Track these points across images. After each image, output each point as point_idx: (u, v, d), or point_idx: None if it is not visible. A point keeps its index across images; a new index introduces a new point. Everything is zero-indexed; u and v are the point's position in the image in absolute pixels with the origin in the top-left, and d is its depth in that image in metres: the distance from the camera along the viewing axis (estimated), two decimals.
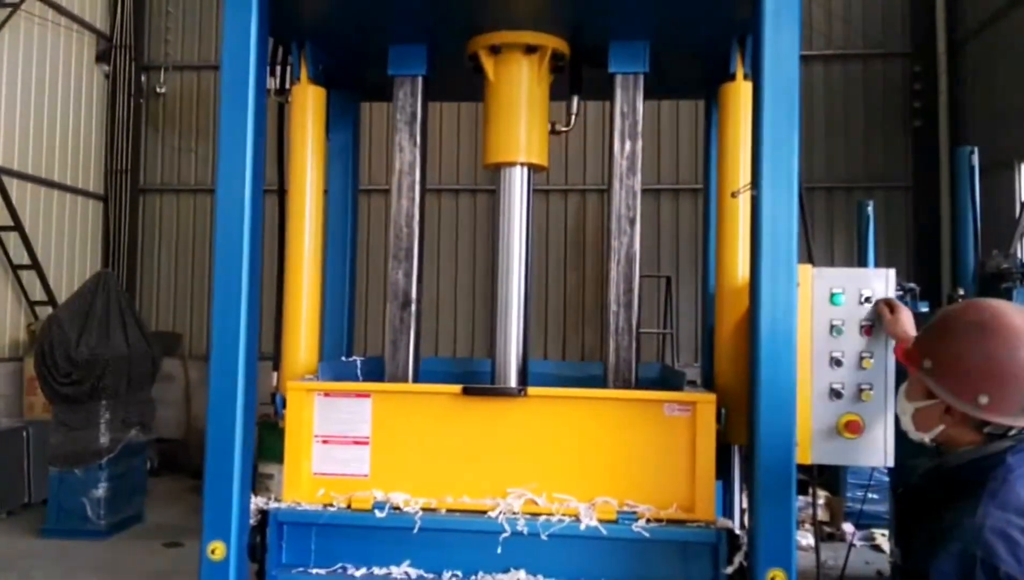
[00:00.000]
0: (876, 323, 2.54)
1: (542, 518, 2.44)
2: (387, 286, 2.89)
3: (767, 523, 2.37)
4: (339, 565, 2.54)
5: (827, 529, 7.42)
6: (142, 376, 7.49)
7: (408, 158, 2.87)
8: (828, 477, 7.70)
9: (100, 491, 7.15)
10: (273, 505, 2.54)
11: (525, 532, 2.42)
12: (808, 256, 2.63)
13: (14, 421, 8.48)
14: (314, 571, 2.53)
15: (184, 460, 9.79)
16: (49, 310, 8.67)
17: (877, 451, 2.64)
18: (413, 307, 2.83)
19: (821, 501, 7.49)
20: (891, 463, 2.65)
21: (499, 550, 2.44)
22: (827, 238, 10.21)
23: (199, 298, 10.86)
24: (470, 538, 2.48)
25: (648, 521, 2.41)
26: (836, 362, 2.59)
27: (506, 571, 2.46)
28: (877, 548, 7.16)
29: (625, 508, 2.46)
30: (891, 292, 2.63)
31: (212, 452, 2.49)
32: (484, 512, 2.48)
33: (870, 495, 7.13)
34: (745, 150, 2.69)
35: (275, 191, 3.04)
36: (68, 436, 7.12)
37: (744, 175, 2.71)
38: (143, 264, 11.26)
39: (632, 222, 2.78)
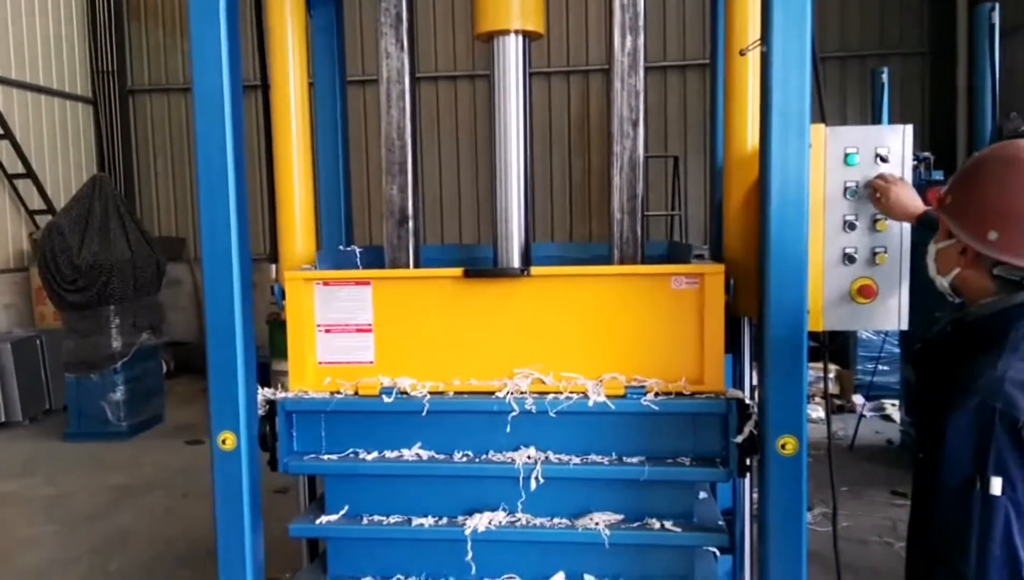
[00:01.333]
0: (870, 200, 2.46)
1: (550, 397, 2.41)
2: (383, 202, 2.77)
3: (777, 391, 2.33)
4: (350, 451, 2.55)
5: (837, 402, 7.53)
6: (148, 280, 7.48)
7: (395, 65, 2.68)
8: (840, 343, 7.74)
9: (118, 394, 7.28)
10: (280, 395, 2.53)
11: (533, 411, 2.40)
12: (820, 115, 2.49)
13: (27, 331, 8.58)
14: (325, 457, 2.54)
15: (199, 362, 9.85)
16: (49, 218, 8.60)
17: (891, 315, 2.59)
18: (411, 224, 2.72)
19: (832, 375, 7.56)
20: (905, 326, 2.60)
21: (508, 429, 2.44)
22: (840, 110, 9.94)
23: None
24: (479, 419, 2.47)
25: (657, 395, 2.39)
26: (850, 226, 2.51)
27: (516, 449, 2.46)
28: (887, 418, 7.27)
29: (633, 383, 2.43)
30: (908, 151, 2.51)
31: (213, 344, 2.46)
32: (492, 393, 2.46)
33: (880, 367, 7.20)
34: (755, 9, 2.51)
35: (259, 86, 2.89)
36: (80, 343, 7.19)
37: (753, 35, 2.54)
38: (139, 169, 11.11)
39: (635, 124, 2.62)
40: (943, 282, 1.83)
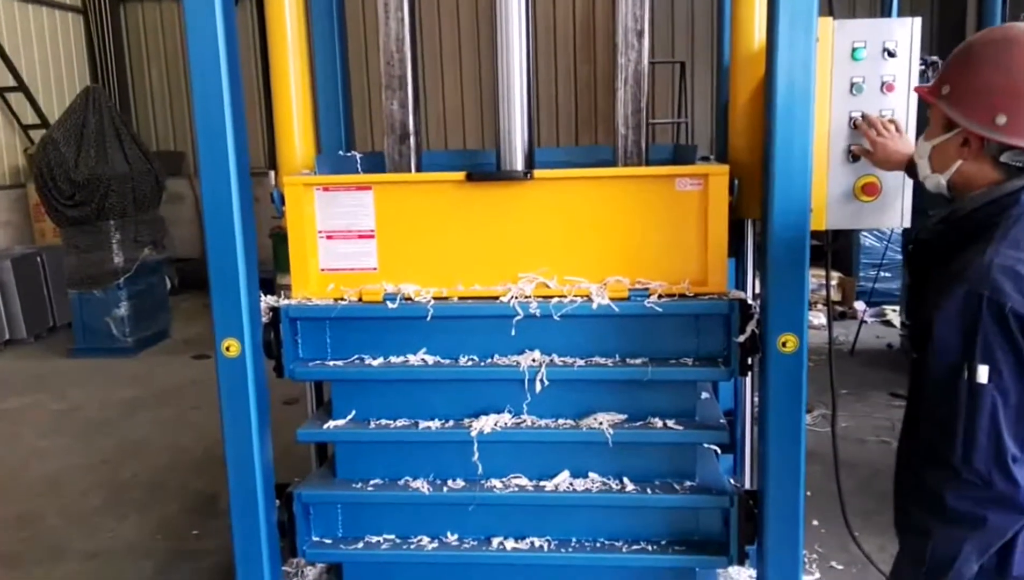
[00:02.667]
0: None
1: (554, 300, 2.42)
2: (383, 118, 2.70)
3: (778, 288, 2.33)
4: (355, 357, 2.57)
5: (839, 308, 7.57)
6: (147, 194, 7.42)
7: None
8: (842, 245, 7.72)
9: (122, 310, 7.31)
10: (283, 302, 2.53)
11: (538, 314, 2.41)
12: (829, 8, 2.41)
13: (27, 248, 8.56)
14: (331, 363, 2.57)
15: (203, 278, 9.87)
16: (43, 133, 8.47)
17: (894, 213, 2.56)
18: (412, 140, 2.66)
19: (834, 282, 7.58)
20: (908, 224, 2.58)
21: (513, 333, 2.45)
22: (849, 3, 9.65)
23: None
24: (483, 323, 2.49)
25: (660, 297, 2.39)
26: (855, 123, 2.45)
27: (520, 353, 2.48)
28: (888, 323, 7.33)
29: (637, 286, 2.43)
30: (916, 45, 2.43)
31: (213, 249, 2.45)
32: (496, 298, 2.46)
33: (882, 273, 7.20)
34: None
35: None
36: (81, 258, 7.18)
37: None
38: (134, 82, 10.87)
39: (640, 35, 2.52)
40: (940, 180, 1.74)
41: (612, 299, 2.39)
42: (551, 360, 2.47)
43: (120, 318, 7.30)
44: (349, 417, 2.59)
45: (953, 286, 1.54)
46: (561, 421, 2.51)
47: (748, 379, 2.95)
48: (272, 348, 2.50)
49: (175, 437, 5.30)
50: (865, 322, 6.99)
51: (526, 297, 2.43)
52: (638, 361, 2.45)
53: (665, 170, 2.44)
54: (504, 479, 2.55)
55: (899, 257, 6.97)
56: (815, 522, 3.68)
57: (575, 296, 2.42)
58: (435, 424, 2.53)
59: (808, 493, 2.39)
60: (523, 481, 2.53)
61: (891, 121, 2.39)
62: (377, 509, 2.63)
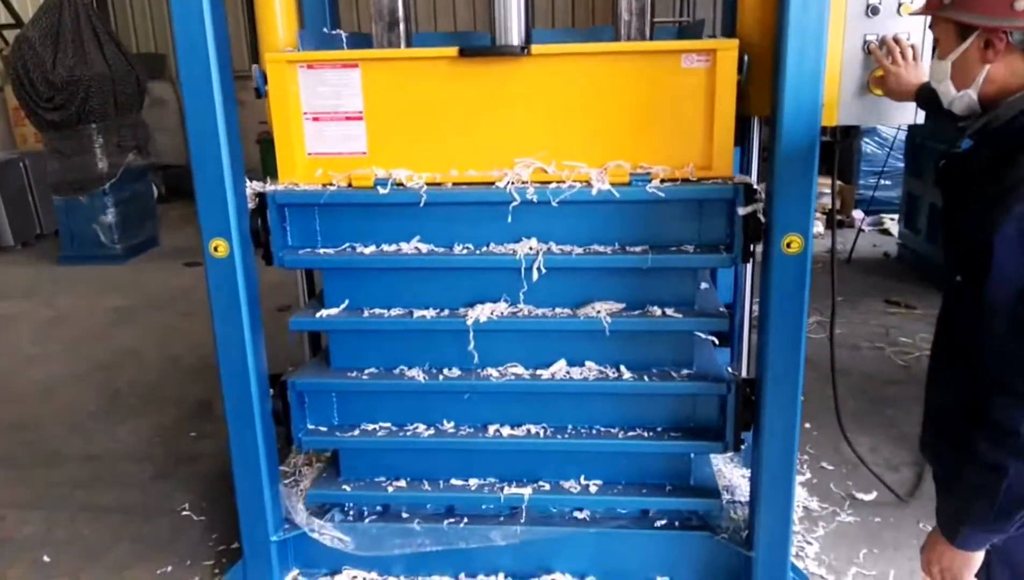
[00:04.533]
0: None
1: (552, 186, 2.33)
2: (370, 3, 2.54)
3: (786, 187, 2.26)
4: (346, 245, 2.49)
5: (838, 217, 7.47)
6: (129, 97, 7.18)
7: None
8: (847, 141, 7.58)
9: (109, 216, 7.18)
10: (270, 188, 2.43)
11: (535, 201, 2.32)
12: None
13: (9, 153, 8.35)
14: (321, 252, 2.48)
15: (190, 185, 9.70)
16: (17, 33, 8.14)
17: (908, 108, 2.44)
18: (401, 27, 2.50)
19: (827, 190, 7.46)
20: (921, 120, 2.47)
21: (509, 220, 2.37)
22: None
23: None
24: (478, 210, 2.40)
25: (662, 181, 2.30)
26: (872, 10, 2.31)
27: (517, 241, 2.40)
28: (885, 232, 7.26)
29: (638, 171, 2.33)
30: None
31: (195, 144, 2.34)
32: (491, 184, 2.37)
33: (883, 181, 7.09)
34: None
35: None
36: (65, 164, 7.01)
37: None
38: None
39: None
40: (970, 96, 1.57)
41: (613, 184, 2.30)
42: (549, 248, 2.39)
43: (108, 225, 7.17)
44: (342, 306, 2.53)
45: (1010, 204, 1.39)
46: (558, 310, 2.46)
47: (748, 270, 2.89)
48: (260, 236, 2.42)
49: (168, 345, 5.25)
50: (863, 230, 6.92)
51: (523, 183, 2.34)
52: (638, 249, 2.37)
53: (670, 45, 2.31)
54: (500, 368, 2.51)
55: (900, 165, 6.85)
56: (807, 425, 3.69)
57: (574, 181, 2.32)
58: (430, 313, 2.47)
59: (801, 398, 2.36)
60: (519, 370, 2.50)
61: (911, 47, 2.24)
62: (372, 398, 2.61)
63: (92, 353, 5.16)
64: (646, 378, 2.45)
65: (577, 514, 2.73)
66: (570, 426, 2.58)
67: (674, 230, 2.38)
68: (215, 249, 2.44)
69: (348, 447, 2.67)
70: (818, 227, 6.82)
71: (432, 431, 2.59)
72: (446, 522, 2.75)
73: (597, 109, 2.33)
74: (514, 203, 2.32)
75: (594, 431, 2.56)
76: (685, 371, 2.48)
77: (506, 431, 2.56)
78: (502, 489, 2.62)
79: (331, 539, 2.74)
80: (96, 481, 3.59)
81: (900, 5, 2.32)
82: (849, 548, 2.89)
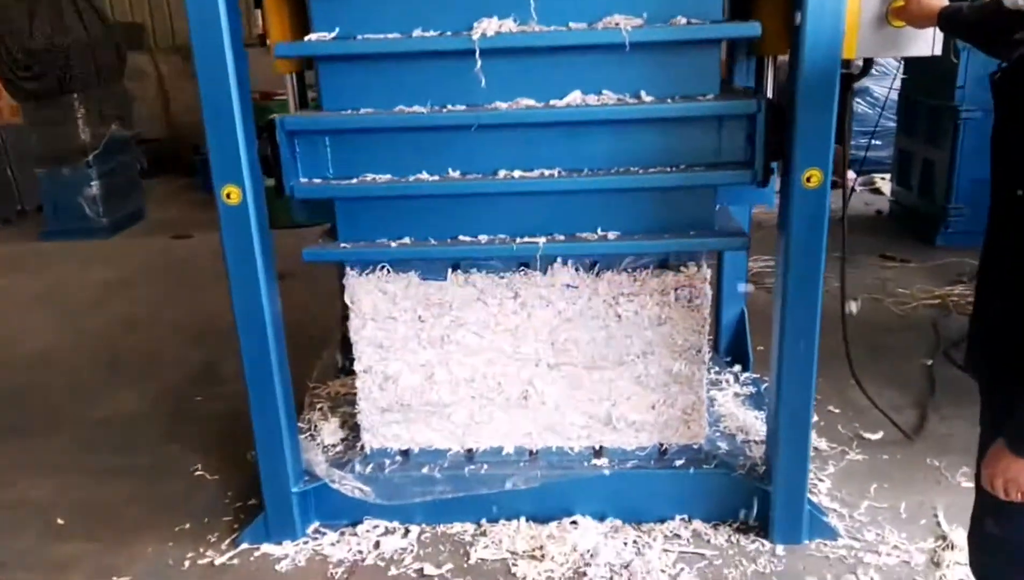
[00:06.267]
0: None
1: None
2: None
3: (807, 125, 2.29)
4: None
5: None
6: (110, 66, 7.05)
7: None
8: (865, 74, 7.60)
9: (94, 189, 7.06)
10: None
11: None
12: None
13: None
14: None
15: (172, 159, 9.61)
16: None
17: (925, 40, 2.46)
18: None
19: None
20: (939, 51, 2.49)
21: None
22: None
23: None
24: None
25: None
26: None
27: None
28: (876, 191, 7.33)
29: None
30: None
31: (207, 96, 2.30)
32: None
33: (874, 141, 7.13)
34: None
35: None
36: (46, 135, 6.88)
37: None
38: None
39: None
40: None
41: None
42: None
43: (92, 198, 7.05)
44: (333, 34, 2.39)
45: None
46: (573, 26, 2.33)
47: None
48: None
49: (165, 313, 5.20)
50: (855, 190, 6.97)
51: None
52: None
53: None
54: (509, 102, 2.37)
55: (892, 124, 6.89)
56: None
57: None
58: (432, 32, 2.36)
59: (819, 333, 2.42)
60: (530, 102, 2.37)
61: None
62: (370, 143, 2.44)
63: (86, 323, 5.10)
64: (669, 100, 2.36)
65: (595, 461, 2.76)
66: (586, 169, 2.41)
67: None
68: (227, 196, 2.41)
69: (345, 197, 2.50)
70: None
71: (437, 179, 2.43)
72: (466, 469, 2.77)
73: None
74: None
75: (612, 172, 2.41)
76: (710, 95, 2.38)
77: (517, 174, 2.41)
78: (514, 241, 2.48)
79: (351, 489, 2.76)
80: (103, 445, 3.57)
81: None
82: (860, 483, 2.95)
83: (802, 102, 2.26)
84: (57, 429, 3.73)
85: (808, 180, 2.34)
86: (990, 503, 1.66)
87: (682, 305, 2.62)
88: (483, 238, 2.52)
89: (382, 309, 2.69)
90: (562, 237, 2.50)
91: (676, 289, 2.61)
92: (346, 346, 3.54)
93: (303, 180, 2.48)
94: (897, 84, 6.30)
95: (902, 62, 6.24)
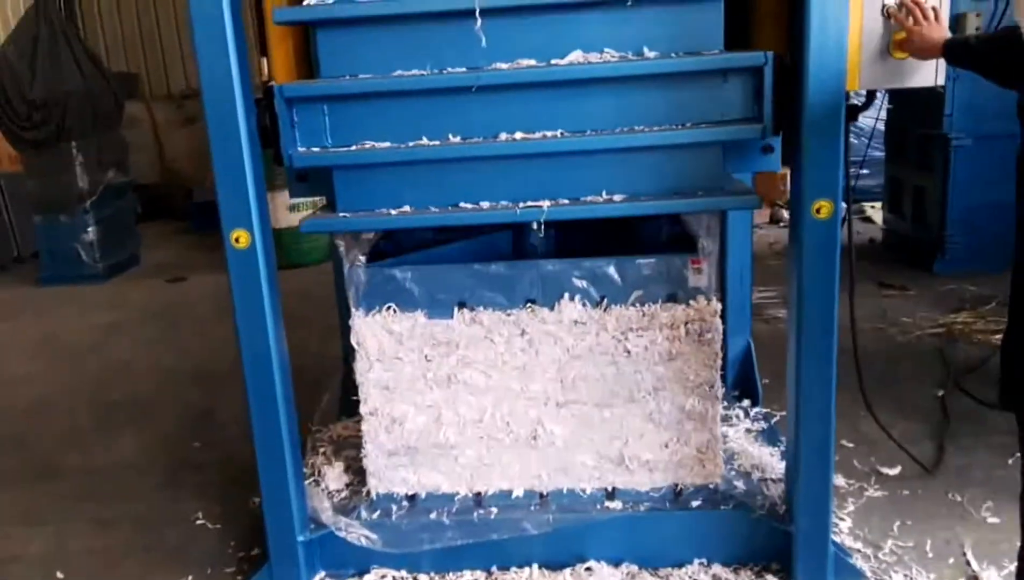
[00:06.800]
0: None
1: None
2: None
3: (815, 156, 2.28)
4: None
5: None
6: (108, 114, 7.08)
7: None
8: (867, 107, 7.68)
9: (91, 235, 7.04)
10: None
11: None
12: None
13: None
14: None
15: (165, 204, 9.63)
16: None
17: (928, 71, 2.46)
18: None
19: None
20: (942, 81, 2.49)
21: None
22: None
23: (150, 33, 10.03)
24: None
25: None
26: (889, 12, 2.32)
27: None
28: (867, 220, 7.36)
29: None
30: None
31: (217, 140, 2.30)
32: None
33: (863, 171, 7.16)
34: None
35: None
36: (45, 183, 6.88)
37: None
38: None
39: None
40: None
41: None
42: None
43: (89, 243, 7.02)
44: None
45: None
46: None
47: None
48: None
49: (161, 357, 5.14)
50: (847, 219, 6.99)
51: None
52: None
53: None
54: (510, 63, 2.33)
55: (880, 155, 6.94)
56: None
57: None
58: None
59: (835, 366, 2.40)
60: (531, 62, 2.33)
61: (931, 8, 2.25)
62: (368, 108, 2.38)
63: (83, 368, 5.04)
64: (673, 55, 2.31)
65: (608, 504, 2.69)
66: (589, 130, 2.35)
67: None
68: (236, 240, 2.39)
69: (344, 165, 2.42)
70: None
71: (437, 144, 2.37)
72: (475, 514, 2.71)
73: None
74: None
75: (616, 132, 2.36)
76: (716, 50, 2.33)
77: (519, 136, 2.35)
78: (517, 206, 2.39)
79: (358, 537, 2.69)
80: (101, 494, 3.49)
81: None
82: (882, 521, 2.88)
83: (808, 134, 2.25)
84: (52, 479, 3.65)
85: (818, 211, 2.32)
86: None
87: (693, 339, 2.59)
88: (485, 205, 2.42)
89: (388, 350, 2.64)
90: (566, 201, 2.40)
91: (686, 323, 2.58)
92: (347, 387, 3.52)
93: (301, 149, 2.42)
94: (883, 114, 6.35)
95: (886, 93, 6.33)
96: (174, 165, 9.97)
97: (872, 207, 7.46)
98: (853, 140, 7.56)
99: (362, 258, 2.65)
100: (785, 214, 7.15)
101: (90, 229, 7.00)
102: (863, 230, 7.06)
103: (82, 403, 4.49)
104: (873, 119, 7.04)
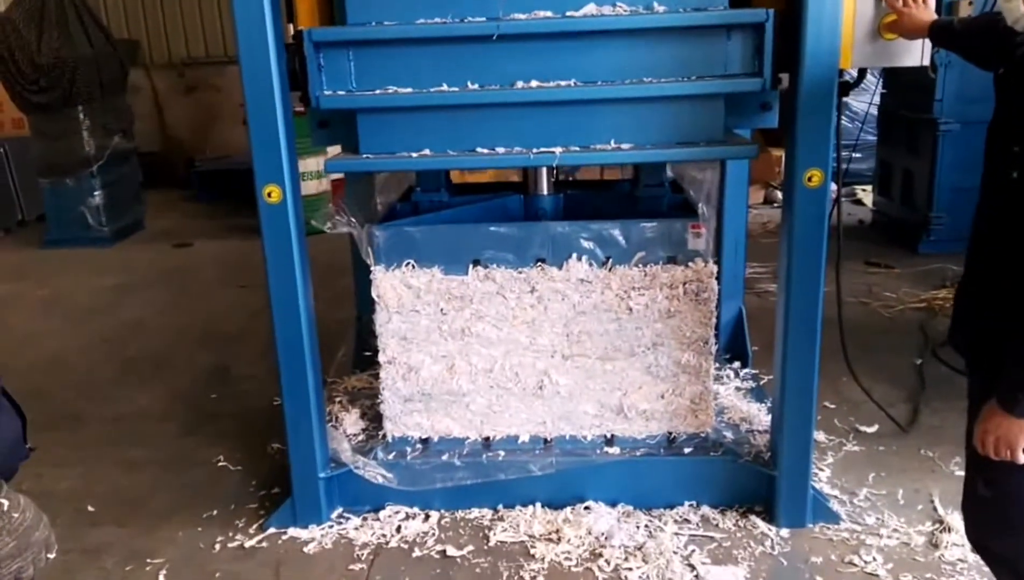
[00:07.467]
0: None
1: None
2: None
3: (808, 128, 2.46)
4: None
5: None
6: (114, 80, 7.18)
7: None
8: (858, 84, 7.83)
9: (97, 199, 7.16)
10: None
11: None
12: None
13: None
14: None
15: (166, 172, 9.72)
16: None
17: (915, 51, 2.64)
18: None
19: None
20: (927, 62, 2.67)
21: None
22: None
23: (151, 1, 10.05)
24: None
25: None
26: None
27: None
28: (858, 202, 7.56)
29: None
30: None
31: (252, 99, 2.45)
32: None
33: (855, 155, 7.37)
34: None
35: None
36: (51, 147, 6.98)
37: None
38: None
39: None
40: None
41: None
42: None
43: (95, 207, 7.15)
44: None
45: None
46: None
47: None
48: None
49: (171, 318, 5.31)
50: (838, 201, 7.19)
51: None
52: None
53: None
54: (527, 13, 2.49)
55: (872, 138, 7.13)
56: None
57: None
58: None
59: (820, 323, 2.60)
60: (547, 13, 2.49)
61: None
62: (391, 54, 2.52)
63: (96, 327, 5.19)
64: (681, 10, 2.48)
65: (607, 449, 2.90)
66: (600, 80, 2.51)
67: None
68: (268, 195, 2.56)
69: (368, 108, 2.57)
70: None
71: (456, 90, 2.52)
72: (484, 456, 2.91)
73: None
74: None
75: (626, 83, 2.52)
76: (720, 6, 2.50)
77: (534, 84, 2.50)
78: (530, 152, 2.56)
79: (375, 475, 2.88)
80: (124, 439, 3.67)
81: None
82: (858, 473, 3.11)
83: (803, 106, 2.44)
84: (76, 427, 3.83)
85: (809, 180, 2.51)
86: (981, 466, 1.79)
87: (690, 298, 2.78)
88: (500, 150, 2.58)
89: (406, 303, 2.83)
90: (577, 148, 2.55)
91: (684, 283, 2.77)
92: (360, 343, 3.71)
93: (327, 92, 2.54)
94: (876, 99, 6.54)
95: (881, 78, 6.50)
96: (174, 133, 10.07)
97: (863, 190, 7.66)
98: (847, 124, 7.83)
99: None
100: (779, 195, 7.34)
101: (96, 193, 7.12)
102: (853, 212, 7.27)
103: (97, 359, 4.66)
104: (866, 104, 7.25)
